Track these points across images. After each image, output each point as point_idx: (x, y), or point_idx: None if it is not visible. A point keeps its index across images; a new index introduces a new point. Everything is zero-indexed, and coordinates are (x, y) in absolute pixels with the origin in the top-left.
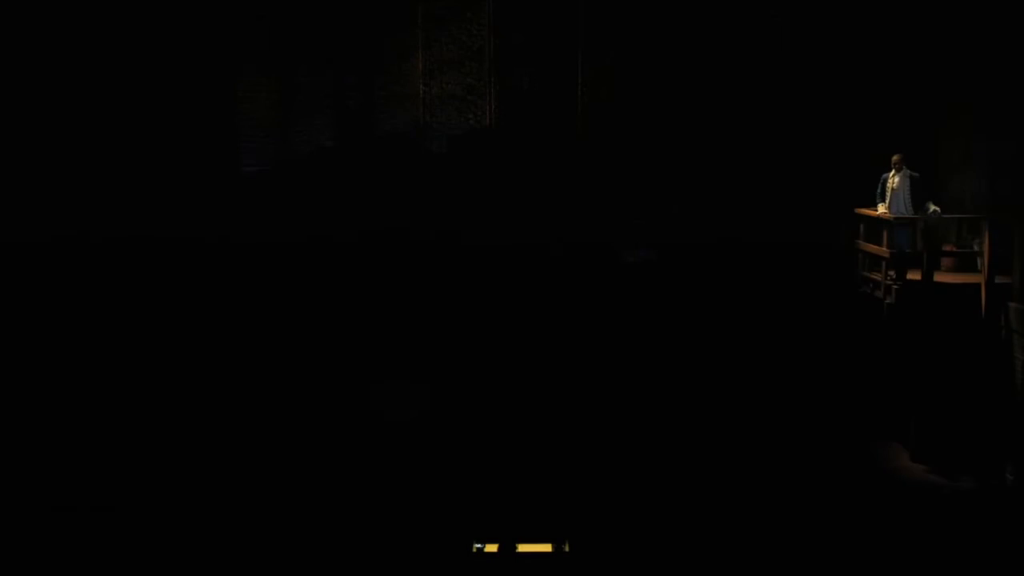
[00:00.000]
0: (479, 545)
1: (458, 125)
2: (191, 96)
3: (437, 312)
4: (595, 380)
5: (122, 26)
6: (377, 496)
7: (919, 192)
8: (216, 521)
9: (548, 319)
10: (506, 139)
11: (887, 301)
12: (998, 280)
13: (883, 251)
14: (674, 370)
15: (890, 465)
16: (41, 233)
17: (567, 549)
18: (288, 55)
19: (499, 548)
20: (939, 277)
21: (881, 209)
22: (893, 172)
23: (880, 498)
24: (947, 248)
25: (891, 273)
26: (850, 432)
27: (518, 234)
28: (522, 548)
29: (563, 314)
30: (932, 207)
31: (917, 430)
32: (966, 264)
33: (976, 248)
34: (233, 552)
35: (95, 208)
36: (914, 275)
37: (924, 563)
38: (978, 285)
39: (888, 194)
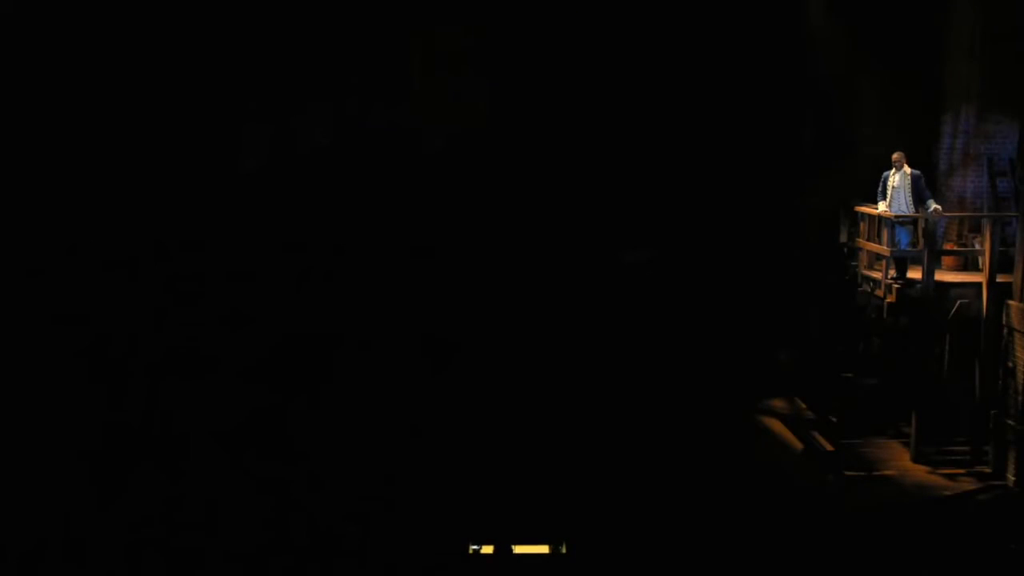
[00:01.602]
0: (475, 547)
1: (454, 125)
2: (190, 95)
3: (432, 312)
4: (592, 380)
5: (122, 25)
6: (375, 497)
7: (920, 190)
8: (215, 521)
9: (543, 317)
10: (500, 139)
11: (887, 300)
12: (999, 279)
13: (883, 249)
14: (667, 369)
15: (890, 466)
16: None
17: (563, 551)
18: (289, 55)
19: (495, 550)
20: (940, 276)
21: (882, 207)
22: (894, 170)
23: (880, 499)
24: (948, 247)
25: (892, 272)
26: (848, 432)
27: (511, 233)
28: (518, 550)
29: (558, 313)
30: (933, 205)
31: (917, 431)
32: (967, 263)
33: (977, 247)
34: (232, 551)
35: (92, 209)
36: (915, 273)
37: (925, 564)
38: (979, 284)
39: (889, 192)
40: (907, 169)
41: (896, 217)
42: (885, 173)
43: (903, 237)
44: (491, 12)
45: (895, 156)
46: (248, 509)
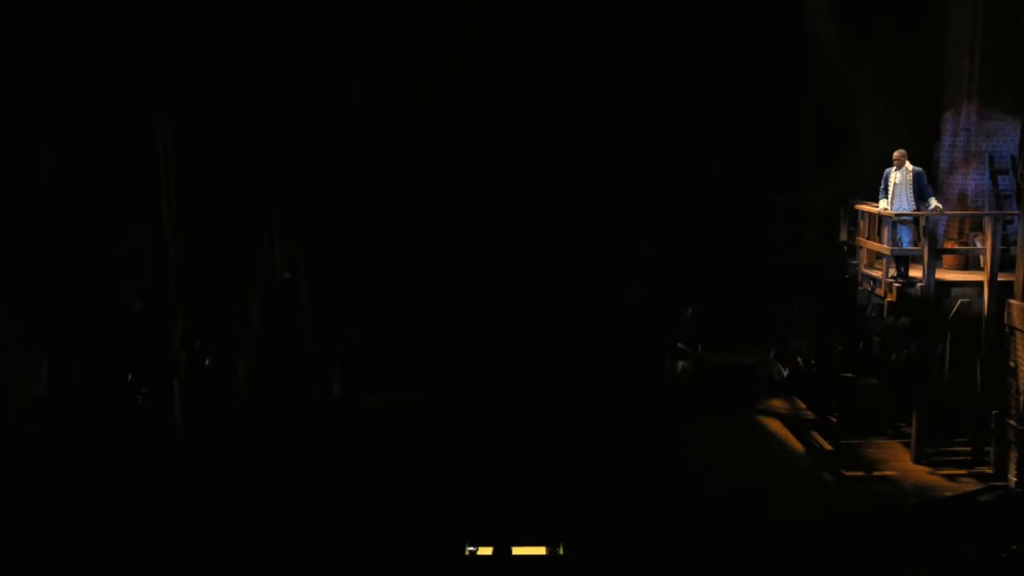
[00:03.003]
0: (472, 548)
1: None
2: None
3: (427, 312)
4: (588, 379)
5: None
6: (371, 498)
7: (922, 187)
8: (211, 522)
9: (538, 317)
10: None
11: (888, 299)
12: (1001, 278)
13: (884, 248)
14: (666, 368)
15: (891, 466)
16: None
17: (561, 552)
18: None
19: (493, 551)
20: (941, 274)
21: (883, 204)
22: (895, 168)
23: (880, 499)
24: (949, 245)
25: (892, 270)
26: (848, 432)
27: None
28: (515, 551)
29: (552, 312)
30: (934, 203)
31: (918, 431)
32: (968, 261)
33: (978, 245)
34: (228, 552)
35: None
36: (916, 272)
37: (926, 565)
38: (981, 283)
39: (890, 189)
40: (909, 166)
41: (896, 215)
42: (887, 170)
43: (905, 235)
44: (491, 14)
45: (896, 154)
46: (244, 509)
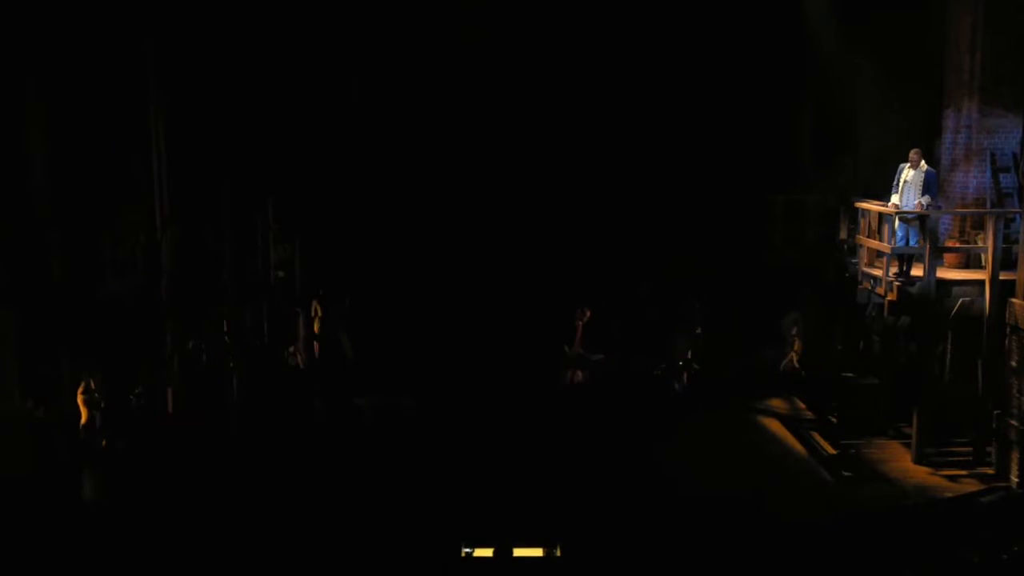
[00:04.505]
0: (468, 549)
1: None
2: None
3: (424, 313)
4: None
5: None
6: (368, 499)
7: (927, 187)
8: (208, 523)
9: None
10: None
11: (888, 298)
12: (1002, 276)
13: (884, 246)
14: (665, 368)
15: (891, 467)
16: None
17: (558, 554)
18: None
19: (494, 553)
20: (942, 273)
21: (894, 199)
22: (909, 165)
23: (880, 500)
24: (950, 243)
25: (893, 269)
26: (849, 432)
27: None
28: (512, 552)
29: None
30: (924, 200)
31: (919, 431)
32: (970, 260)
33: (980, 243)
34: (225, 554)
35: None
36: (918, 271)
37: (927, 567)
38: (982, 281)
39: (901, 186)
40: (923, 165)
41: (898, 213)
42: (901, 166)
43: (912, 234)
44: (491, 14)
45: (912, 153)
46: (241, 510)
